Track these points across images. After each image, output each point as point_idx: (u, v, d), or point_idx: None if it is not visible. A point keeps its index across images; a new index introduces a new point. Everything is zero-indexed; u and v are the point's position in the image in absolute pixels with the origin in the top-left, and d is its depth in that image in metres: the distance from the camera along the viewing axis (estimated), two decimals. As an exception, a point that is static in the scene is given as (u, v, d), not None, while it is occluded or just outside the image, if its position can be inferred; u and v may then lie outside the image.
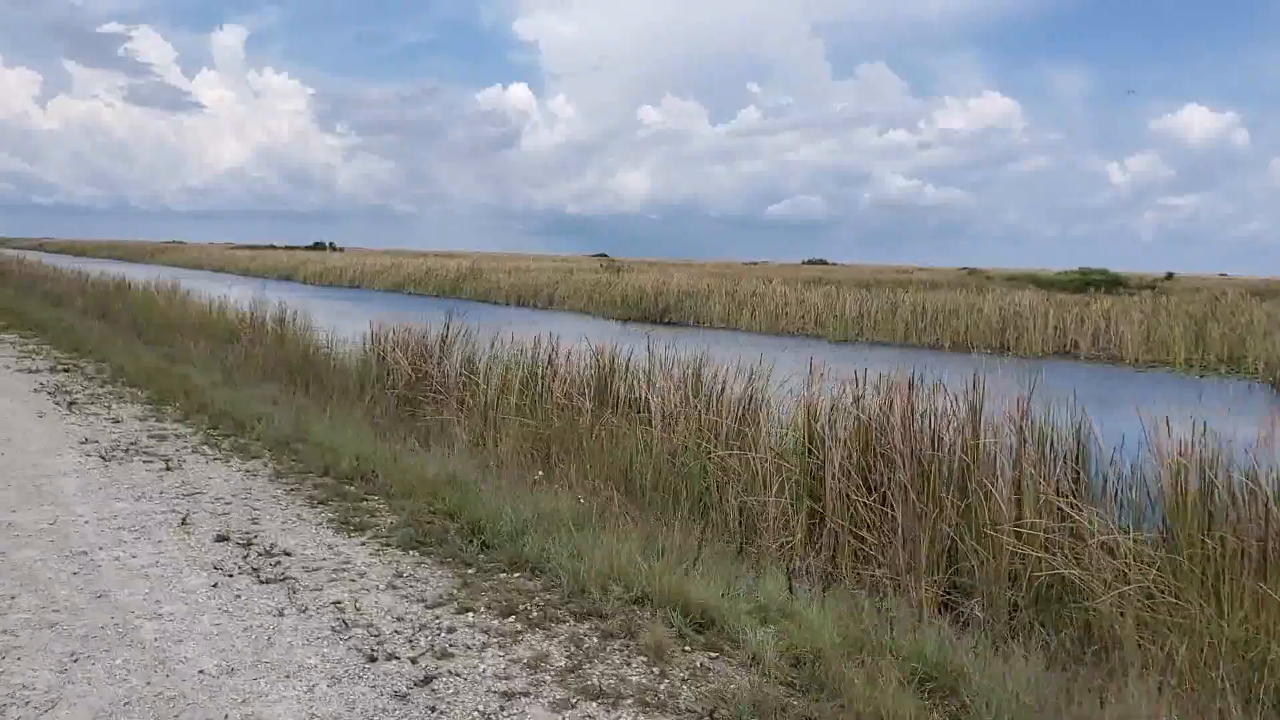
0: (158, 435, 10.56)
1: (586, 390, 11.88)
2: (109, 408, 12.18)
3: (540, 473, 9.35)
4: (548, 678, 4.82)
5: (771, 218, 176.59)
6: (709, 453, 9.56)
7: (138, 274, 39.12)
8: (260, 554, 6.59)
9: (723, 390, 10.61)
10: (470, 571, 6.37)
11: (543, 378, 12.63)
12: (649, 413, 10.65)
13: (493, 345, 14.80)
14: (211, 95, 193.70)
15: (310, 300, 29.10)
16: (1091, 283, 65.92)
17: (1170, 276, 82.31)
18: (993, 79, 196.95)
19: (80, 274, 34.49)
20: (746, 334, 38.48)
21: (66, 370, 15.41)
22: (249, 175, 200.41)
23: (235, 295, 26.79)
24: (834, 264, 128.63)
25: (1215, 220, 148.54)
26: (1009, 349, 32.76)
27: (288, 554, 6.62)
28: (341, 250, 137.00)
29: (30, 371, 15.18)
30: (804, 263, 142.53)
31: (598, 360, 12.37)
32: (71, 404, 12.33)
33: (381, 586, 6.04)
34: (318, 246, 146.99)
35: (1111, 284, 66.31)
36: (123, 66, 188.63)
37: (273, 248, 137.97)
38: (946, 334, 34.15)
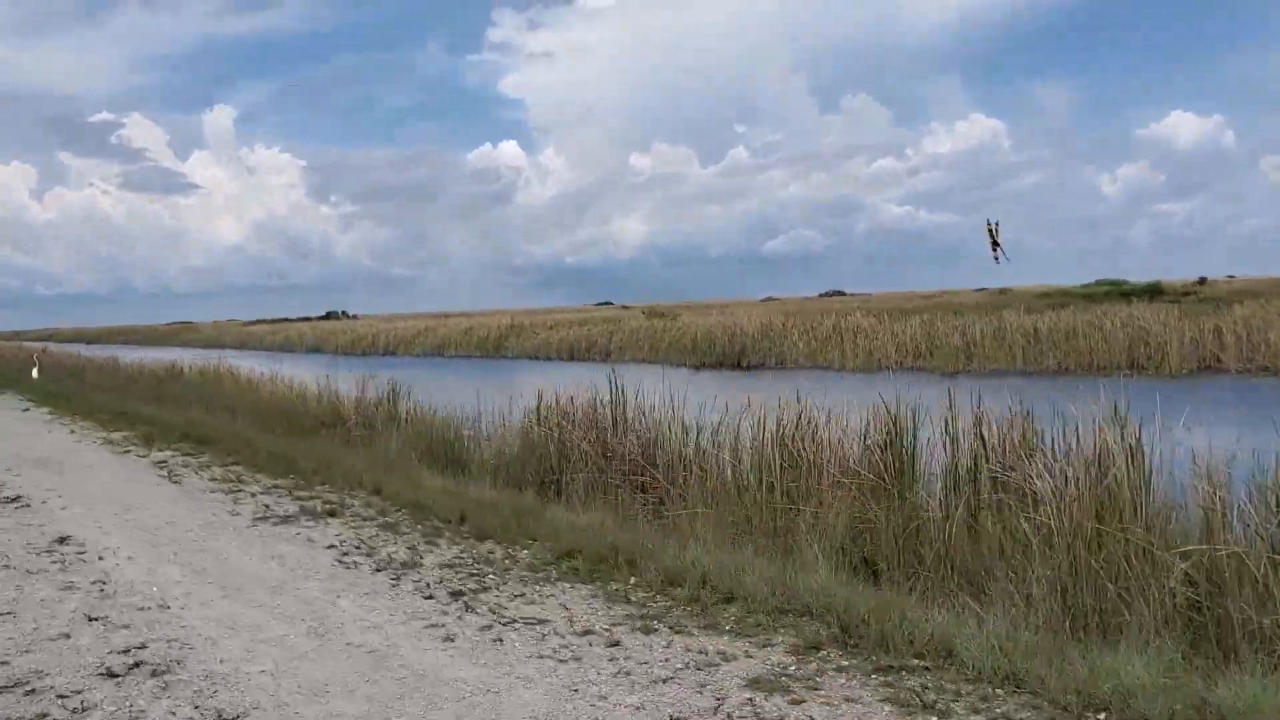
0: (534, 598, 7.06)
1: (878, 465, 9.11)
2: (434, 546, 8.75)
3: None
4: None
5: (770, 253, 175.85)
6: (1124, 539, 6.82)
7: (169, 358, 36.84)
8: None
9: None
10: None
11: (803, 452, 9.85)
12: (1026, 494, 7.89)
13: (672, 412, 12.21)
14: (205, 175, 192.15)
15: (365, 373, 26.62)
16: (1132, 292, 63.29)
17: (1203, 281, 79.41)
18: (977, 100, 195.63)
19: (135, 364, 31.99)
20: (840, 373, 35.71)
21: (332, 512, 10.22)
22: (248, 251, 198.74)
23: (286, 372, 24.44)
24: (852, 294, 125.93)
25: (1210, 223, 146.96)
26: (1141, 368, 29.98)
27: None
28: (356, 317, 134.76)
29: (297, 523, 9.81)
30: (821, 295, 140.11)
31: (886, 422, 9.56)
32: (404, 568, 7.92)
33: None
34: (330, 316, 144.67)
35: (1153, 293, 63.63)
36: (117, 154, 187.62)
37: (286, 320, 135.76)
38: (1071, 356, 31.38)
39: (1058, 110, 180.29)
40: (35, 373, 28.08)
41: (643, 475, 11.48)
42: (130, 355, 41.50)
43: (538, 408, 13.53)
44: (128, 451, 14.96)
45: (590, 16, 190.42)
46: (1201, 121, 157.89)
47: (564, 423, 13.05)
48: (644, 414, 12.72)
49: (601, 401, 13.20)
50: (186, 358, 35.99)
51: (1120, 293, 62.23)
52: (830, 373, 35.97)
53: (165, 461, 13.71)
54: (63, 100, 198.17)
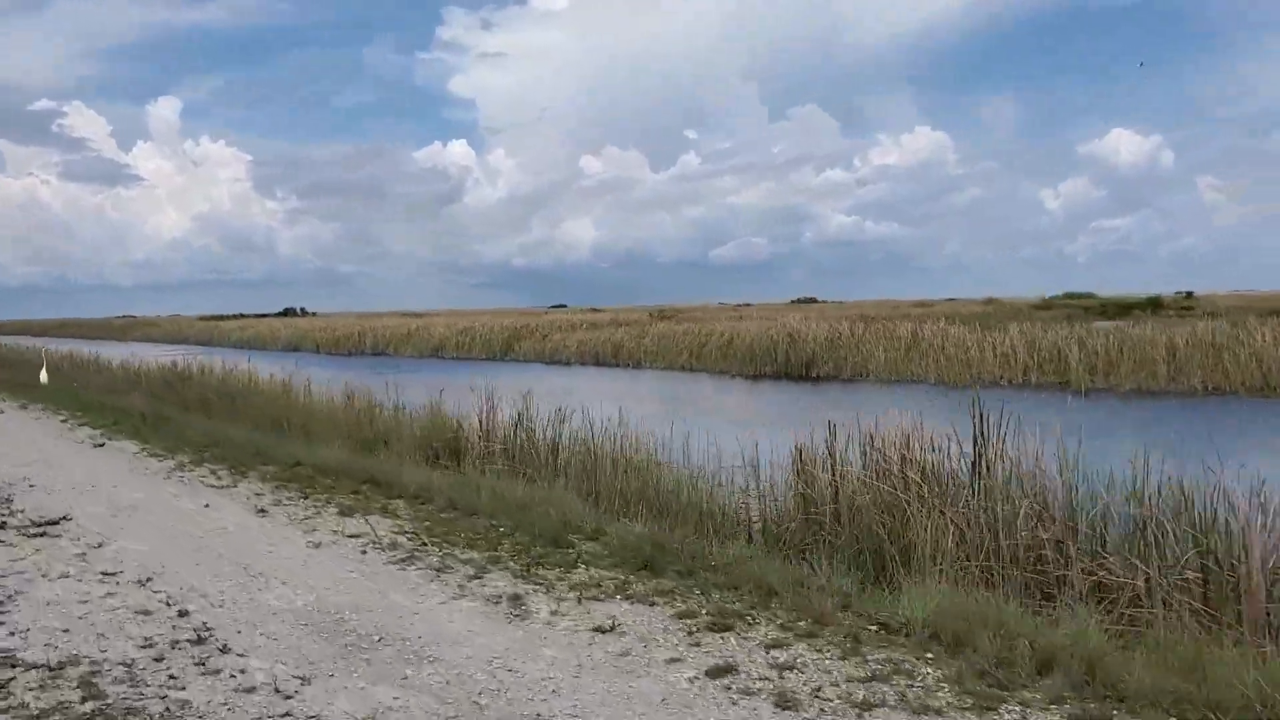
0: None
1: None
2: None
3: None
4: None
5: (718, 260, 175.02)
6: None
7: (153, 355, 32.07)
8: None
9: None
10: None
11: None
12: None
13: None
14: (149, 167, 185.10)
15: (395, 376, 22.14)
16: (1135, 306, 60.06)
17: (1191, 295, 76.74)
18: (924, 114, 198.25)
19: (154, 365, 26.81)
20: (929, 386, 31.52)
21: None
22: (191, 245, 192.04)
23: (313, 377, 20.65)
24: (825, 301, 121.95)
25: (1147, 239, 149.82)
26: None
27: None
28: (314, 315, 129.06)
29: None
30: (793, 302, 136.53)
31: None
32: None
33: None
34: (288, 313, 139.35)
35: (1154, 306, 60.54)
36: (57, 143, 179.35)
37: (241, 316, 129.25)
38: (1217, 374, 27.41)
39: (1003, 125, 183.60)
40: (44, 375, 22.97)
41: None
42: (111, 352, 36.36)
43: (798, 453, 9.13)
44: (363, 546, 8.18)
45: (543, 18, 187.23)
46: (1141, 140, 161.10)
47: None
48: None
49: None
50: (171, 355, 31.23)
51: (1121, 306, 58.93)
52: (922, 387, 31.79)
53: (444, 568, 7.39)
54: (2, 88, 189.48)
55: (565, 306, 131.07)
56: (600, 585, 6.83)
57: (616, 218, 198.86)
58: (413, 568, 7.38)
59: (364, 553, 7.88)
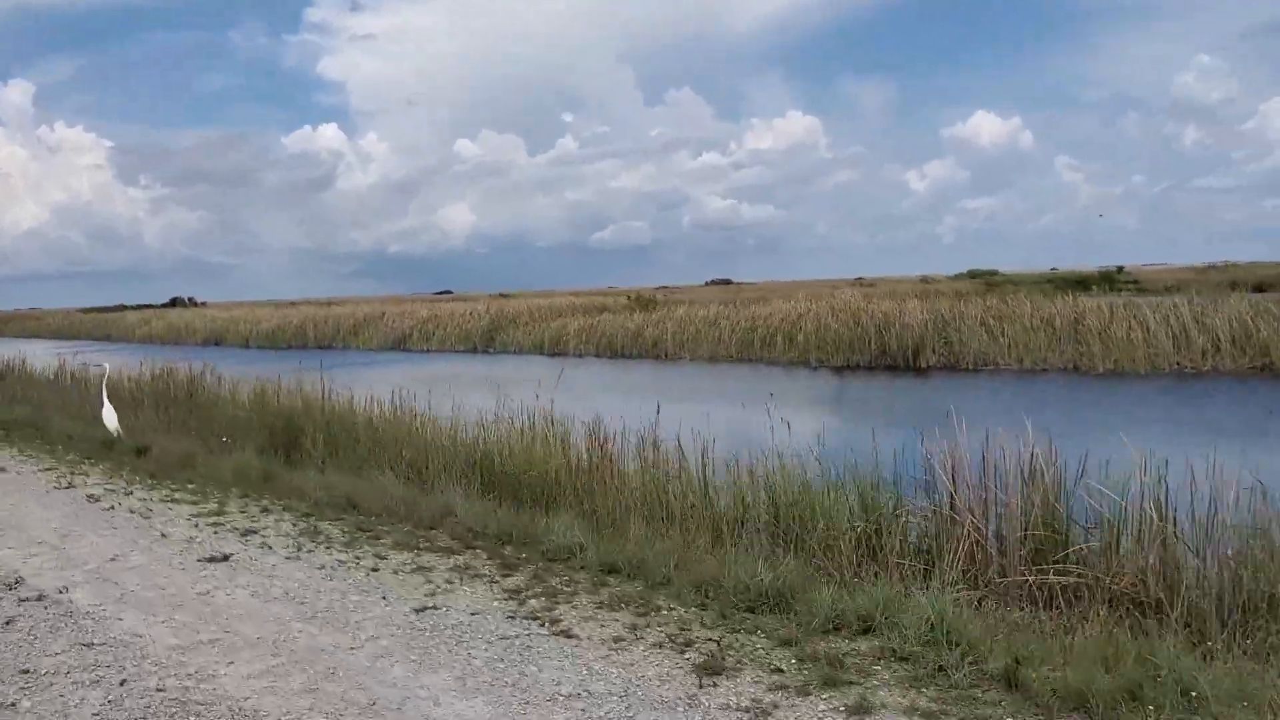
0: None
1: None
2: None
3: None
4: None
5: (598, 244, 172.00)
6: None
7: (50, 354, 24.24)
8: None
9: None
10: None
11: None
12: None
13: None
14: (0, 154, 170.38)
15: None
16: (1084, 281, 56.58)
17: (1121, 270, 74.50)
18: (795, 98, 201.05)
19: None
20: (1099, 377, 25.81)
21: None
22: (49, 236, 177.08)
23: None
24: (742, 283, 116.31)
25: (1010, 219, 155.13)
26: None
27: None
28: (204, 304, 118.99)
29: None
30: (709, 283, 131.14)
31: None
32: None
33: None
34: (176, 303, 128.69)
35: (1109, 283, 57.09)
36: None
37: (123, 308, 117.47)
38: None
39: (871, 109, 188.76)
40: (111, 417, 13.27)
41: None
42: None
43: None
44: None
45: (415, 0, 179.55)
46: (1003, 122, 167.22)
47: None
48: None
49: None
50: (82, 356, 23.88)
51: (1071, 281, 55.03)
52: (1073, 377, 26.03)
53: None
54: None
55: (451, 293, 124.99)
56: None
57: (494, 202, 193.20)
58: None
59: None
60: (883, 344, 30.42)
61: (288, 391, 14.32)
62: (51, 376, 20.91)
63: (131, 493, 10.22)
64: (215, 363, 19.37)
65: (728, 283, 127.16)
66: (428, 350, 47.06)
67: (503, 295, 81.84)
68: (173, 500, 9.87)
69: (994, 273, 78.72)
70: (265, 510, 9.38)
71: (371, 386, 15.06)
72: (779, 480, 7.91)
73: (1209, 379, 24.36)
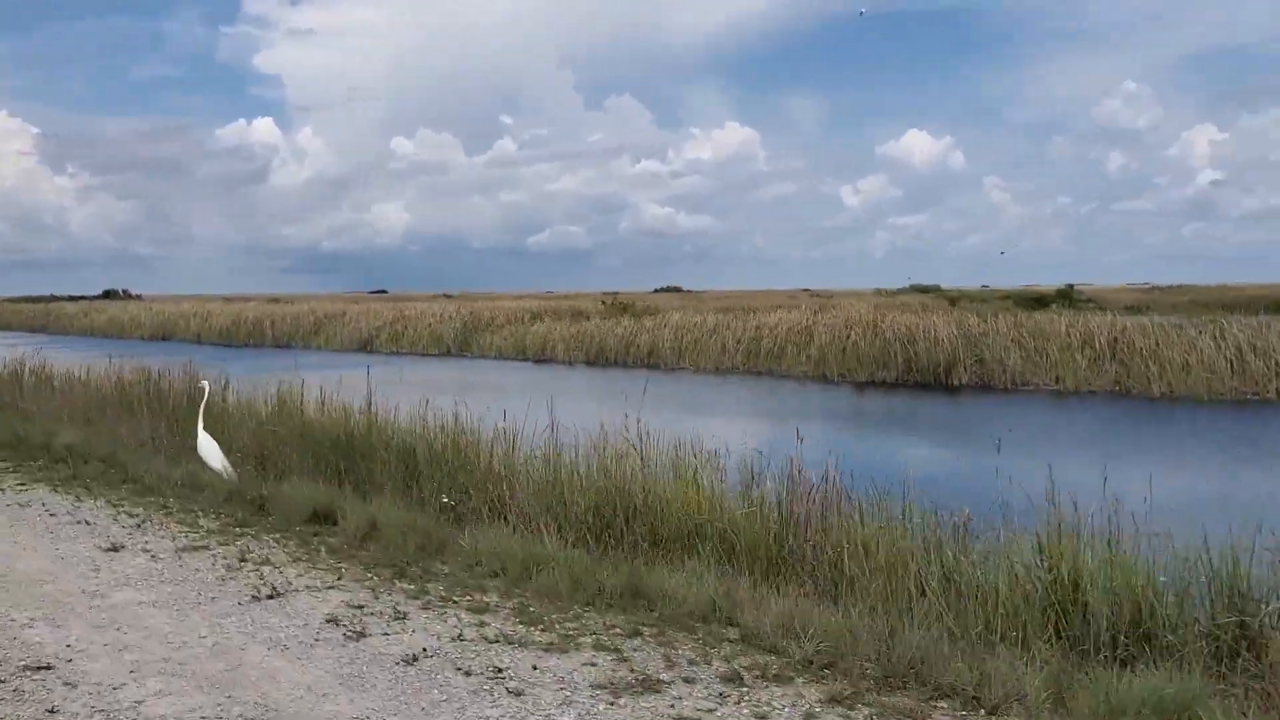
0: None
1: None
2: None
3: None
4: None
5: (535, 247, 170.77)
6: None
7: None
8: None
9: None
10: None
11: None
12: None
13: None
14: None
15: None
16: (1044, 299, 55.44)
17: (1072, 288, 73.77)
18: (734, 110, 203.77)
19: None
20: (1124, 401, 23.97)
21: None
22: None
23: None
24: (693, 291, 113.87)
25: (939, 236, 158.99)
26: None
27: None
28: (139, 298, 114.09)
29: None
30: (658, 290, 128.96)
31: None
32: None
33: None
34: (109, 295, 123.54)
35: (1067, 300, 55.91)
36: None
37: (52, 298, 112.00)
38: None
39: (808, 123, 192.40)
40: (210, 447, 9.96)
41: None
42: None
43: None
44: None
45: None
46: (934, 141, 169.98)
47: None
48: None
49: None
50: (41, 352, 20.88)
51: (1030, 299, 53.79)
52: (1123, 401, 24.14)
53: None
54: None
55: (385, 291, 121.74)
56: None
57: (430, 202, 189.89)
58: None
59: None
60: (908, 359, 28.33)
61: (327, 403, 11.62)
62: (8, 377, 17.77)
63: (405, 614, 6.08)
64: (168, 358, 16.80)
65: (678, 290, 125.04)
66: (397, 353, 44.06)
67: (446, 296, 78.80)
68: (497, 632, 5.78)
69: (937, 287, 77.96)
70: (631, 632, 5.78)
71: (386, 395, 12.47)
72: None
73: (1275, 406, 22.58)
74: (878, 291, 78.86)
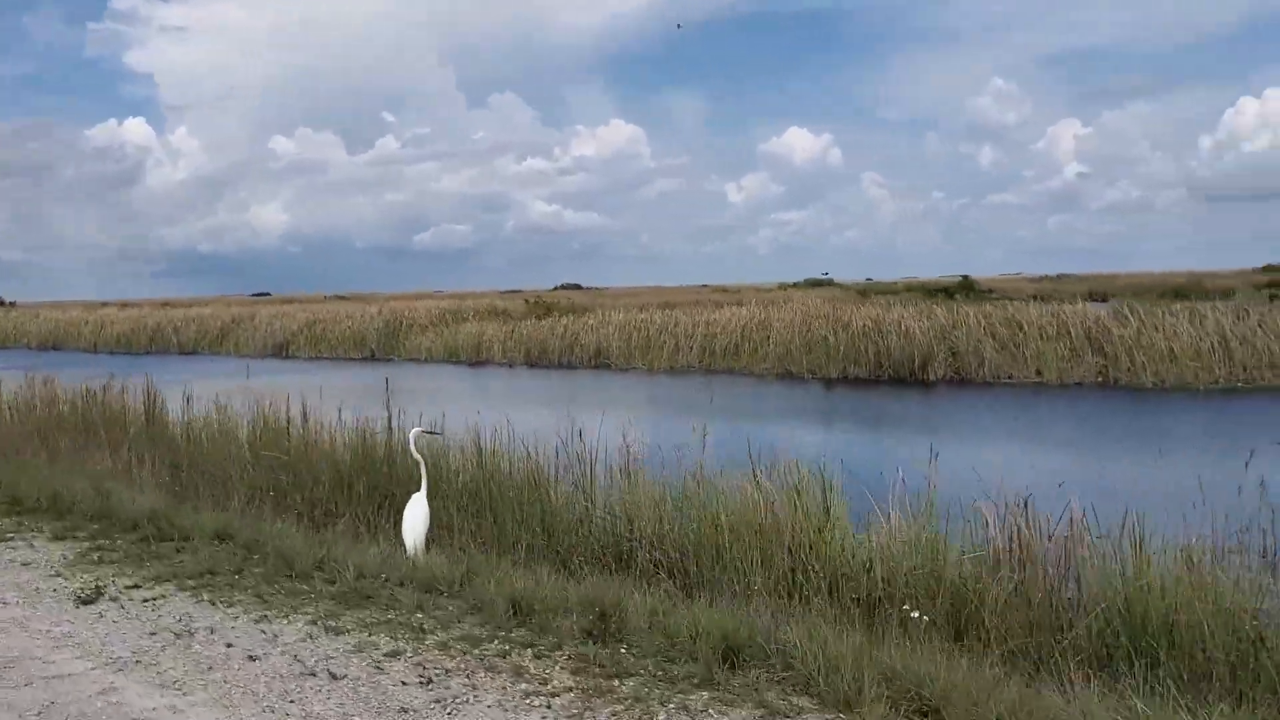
0: None
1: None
2: None
3: None
4: None
5: (420, 247, 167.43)
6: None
7: None
8: None
9: None
10: None
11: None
12: None
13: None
14: None
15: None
16: (945, 290, 55.40)
17: (967, 279, 74.23)
18: (618, 107, 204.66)
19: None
20: (1113, 392, 22.96)
21: None
22: None
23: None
24: (594, 288, 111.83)
25: (819, 231, 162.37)
26: None
27: None
28: (13, 305, 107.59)
29: None
30: (558, 288, 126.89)
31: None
32: None
33: None
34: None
35: (967, 291, 55.88)
36: None
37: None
38: None
39: (691, 121, 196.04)
40: (419, 530, 6.91)
41: None
42: None
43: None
44: None
45: None
46: (814, 139, 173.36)
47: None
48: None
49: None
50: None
51: (934, 291, 53.57)
52: (1112, 392, 23.09)
53: None
54: None
55: (268, 294, 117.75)
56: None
57: (310, 201, 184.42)
58: None
59: None
60: (879, 354, 26.90)
61: (326, 421, 9.41)
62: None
63: None
64: (59, 368, 14.24)
65: (578, 287, 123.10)
66: (316, 358, 41.21)
67: (340, 297, 75.44)
68: None
69: (831, 281, 78.06)
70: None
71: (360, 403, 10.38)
72: None
73: (1271, 394, 21.71)
74: (780, 286, 78.42)
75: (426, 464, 7.42)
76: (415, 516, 7.13)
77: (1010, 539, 6.06)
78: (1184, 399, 21.87)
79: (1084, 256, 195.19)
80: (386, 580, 6.26)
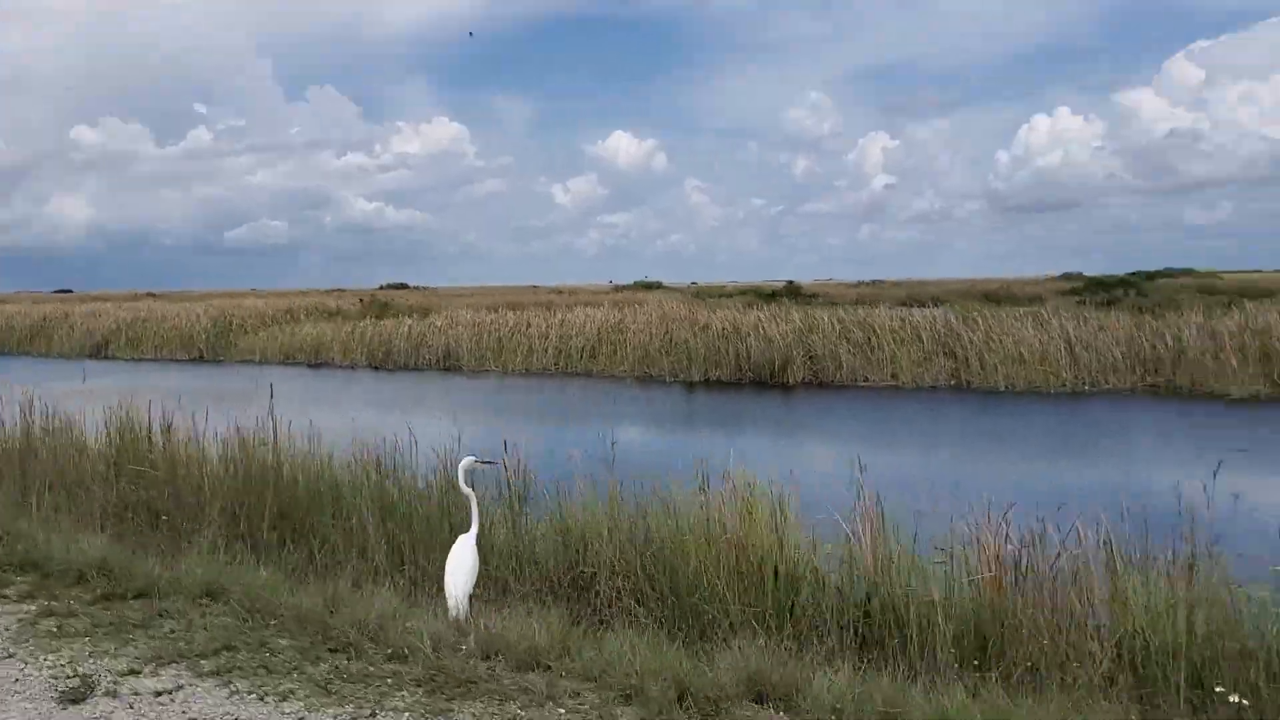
0: None
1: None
2: None
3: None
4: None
5: (233, 243, 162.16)
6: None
7: None
8: None
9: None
10: None
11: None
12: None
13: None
14: None
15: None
16: (775, 294, 56.34)
17: (793, 283, 76.11)
18: (442, 105, 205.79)
19: None
20: (968, 395, 23.25)
21: None
22: None
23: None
24: (422, 287, 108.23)
25: (644, 235, 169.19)
26: None
27: None
28: None
29: None
30: (383, 287, 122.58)
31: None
32: None
33: None
34: None
35: (793, 294, 57.01)
36: None
37: None
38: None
39: (519, 122, 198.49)
40: (466, 587, 5.58)
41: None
42: None
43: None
44: None
45: None
46: (639, 143, 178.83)
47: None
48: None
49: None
50: None
51: (762, 295, 54.34)
52: (968, 395, 23.34)
53: None
54: None
55: (71, 291, 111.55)
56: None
57: (116, 195, 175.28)
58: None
59: None
60: (739, 357, 26.54)
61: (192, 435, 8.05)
62: None
63: None
64: None
65: (405, 286, 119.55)
66: (139, 358, 38.24)
67: (151, 295, 71.32)
68: None
69: (659, 284, 78.67)
70: None
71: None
72: None
73: (1112, 397, 22.30)
74: (616, 288, 78.29)
75: (478, 501, 6.09)
76: (463, 566, 5.74)
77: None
78: (1035, 401, 22.23)
79: (893, 263, 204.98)
80: (462, 651, 4.84)
